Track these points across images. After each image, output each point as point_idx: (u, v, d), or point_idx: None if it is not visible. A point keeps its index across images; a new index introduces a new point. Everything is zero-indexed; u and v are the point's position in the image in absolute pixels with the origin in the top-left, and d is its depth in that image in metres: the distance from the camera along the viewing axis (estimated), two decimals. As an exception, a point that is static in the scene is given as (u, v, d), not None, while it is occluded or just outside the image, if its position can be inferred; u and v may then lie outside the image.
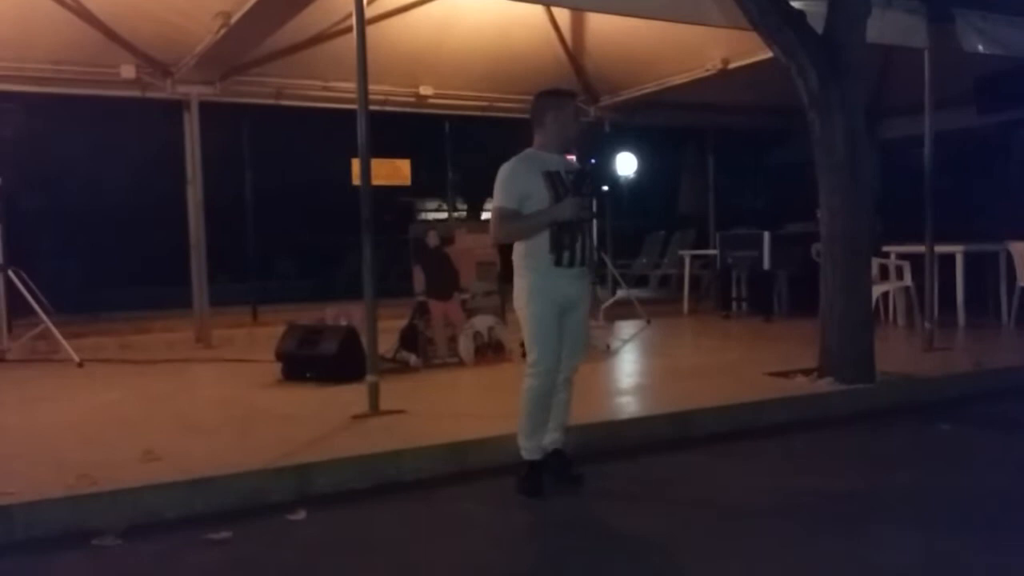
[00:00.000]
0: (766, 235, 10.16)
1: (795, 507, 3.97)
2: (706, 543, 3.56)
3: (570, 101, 4.24)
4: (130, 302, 10.47)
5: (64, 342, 7.58)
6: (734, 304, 11.25)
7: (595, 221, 10.67)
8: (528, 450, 4.16)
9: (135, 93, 8.69)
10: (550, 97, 4.21)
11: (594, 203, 4.22)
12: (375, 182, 5.44)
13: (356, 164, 5.64)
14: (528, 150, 4.17)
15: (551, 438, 4.24)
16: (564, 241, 4.03)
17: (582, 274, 4.14)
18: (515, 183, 4.05)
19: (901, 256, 9.18)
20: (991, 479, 4.39)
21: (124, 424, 5.31)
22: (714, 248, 11.34)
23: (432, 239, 7.35)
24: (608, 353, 7.98)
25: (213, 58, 8.26)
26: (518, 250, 4.13)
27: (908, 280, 9.13)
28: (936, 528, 3.67)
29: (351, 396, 5.47)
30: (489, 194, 4.20)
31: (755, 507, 3.97)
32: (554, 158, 4.15)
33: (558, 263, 4.04)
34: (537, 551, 3.62)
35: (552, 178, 4.05)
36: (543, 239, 4.03)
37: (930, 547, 3.44)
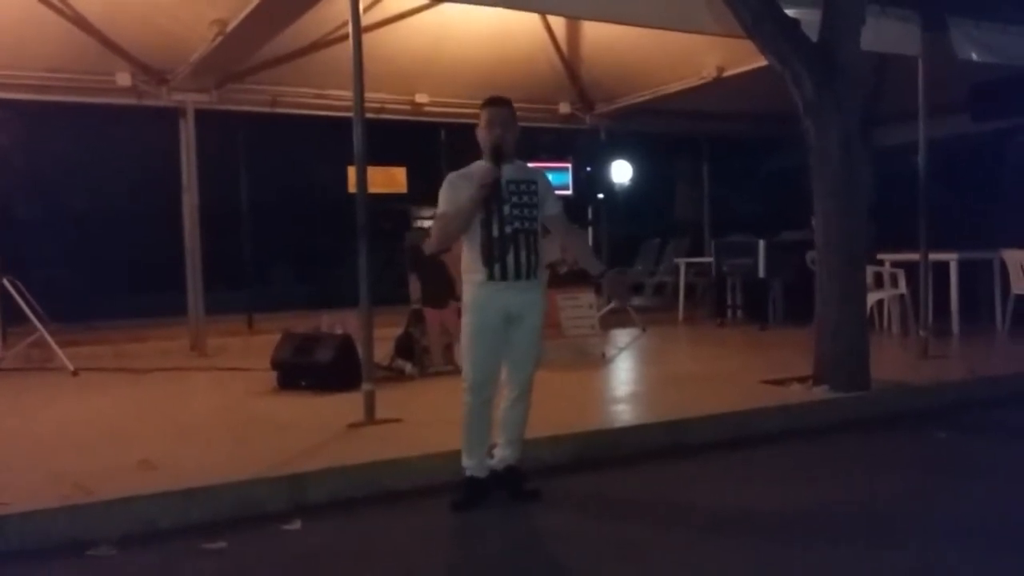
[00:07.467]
0: (761, 243, 10.16)
1: (788, 517, 3.96)
2: (694, 553, 3.56)
3: (487, 109, 4.05)
4: (125, 310, 10.43)
5: (59, 351, 7.56)
6: (729, 312, 11.26)
7: (585, 230, 10.75)
8: (467, 467, 4.11)
9: (131, 101, 8.70)
10: (480, 107, 4.10)
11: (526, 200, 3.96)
12: (371, 190, 5.44)
13: (352, 172, 5.64)
14: (477, 162, 4.06)
15: (500, 455, 4.19)
16: (494, 254, 3.94)
17: (530, 286, 4.01)
18: (451, 191, 4.02)
19: (896, 264, 9.19)
20: (988, 487, 4.40)
21: (119, 433, 5.30)
22: (709, 256, 11.35)
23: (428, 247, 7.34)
24: (604, 361, 7.98)
25: (209, 66, 8.28)
26: (462, 263, 4.07)
27: (903, 288, 9.14)
28: (932, 537, 3.67)
29: (347, 405, 5.46)
30: None
31: (747, 517, 3.96)
32: (504, 168, 3.96)
33: (490, 277, 3.95)
34: (534, 560, 3.61)
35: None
36: (477, 253, 3.96)
37: (926, 557, 3.45)
